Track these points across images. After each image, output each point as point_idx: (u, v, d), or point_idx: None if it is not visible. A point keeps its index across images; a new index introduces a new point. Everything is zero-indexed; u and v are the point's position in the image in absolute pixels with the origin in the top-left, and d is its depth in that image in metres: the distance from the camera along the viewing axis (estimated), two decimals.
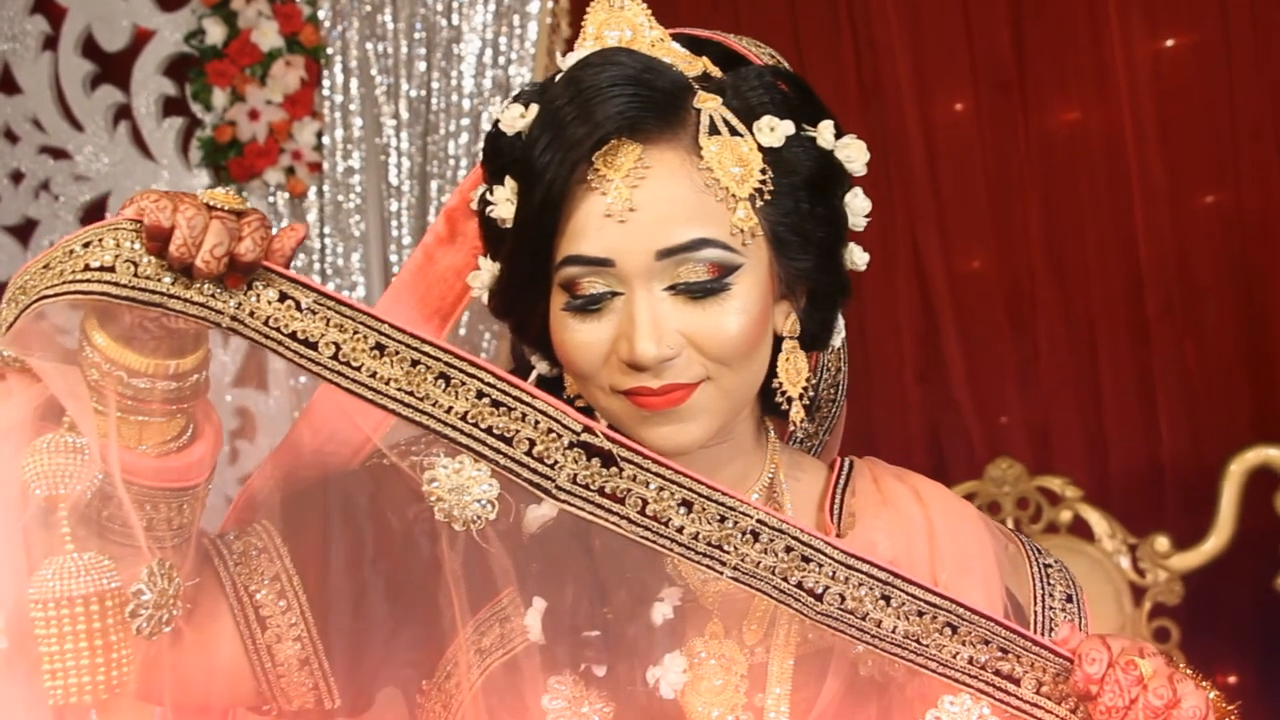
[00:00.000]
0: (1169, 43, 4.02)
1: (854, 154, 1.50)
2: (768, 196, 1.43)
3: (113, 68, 4.17)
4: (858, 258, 1.54)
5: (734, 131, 1.44)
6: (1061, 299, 4.07)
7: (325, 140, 4.04)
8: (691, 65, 1.49)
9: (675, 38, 1.53)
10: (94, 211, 4.17)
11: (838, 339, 1.58)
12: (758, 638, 1.50)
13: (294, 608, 1.44)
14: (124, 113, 4.17)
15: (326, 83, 4.04)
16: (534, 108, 1.45)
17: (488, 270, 1.52)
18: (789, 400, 1.49)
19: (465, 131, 3.99)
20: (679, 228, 1.40)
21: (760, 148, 1.44)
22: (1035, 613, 1.55)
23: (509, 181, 1.46)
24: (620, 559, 1.42)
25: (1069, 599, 1.58)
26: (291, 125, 4.03)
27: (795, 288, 1.50)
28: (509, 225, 1.46)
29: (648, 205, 1.40)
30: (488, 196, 1.48)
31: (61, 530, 1.28)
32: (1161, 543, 3.72)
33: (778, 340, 1.50)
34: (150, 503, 1.34)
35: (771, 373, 1.50)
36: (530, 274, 1.45)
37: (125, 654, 1.29)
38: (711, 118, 1.43)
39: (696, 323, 1.41)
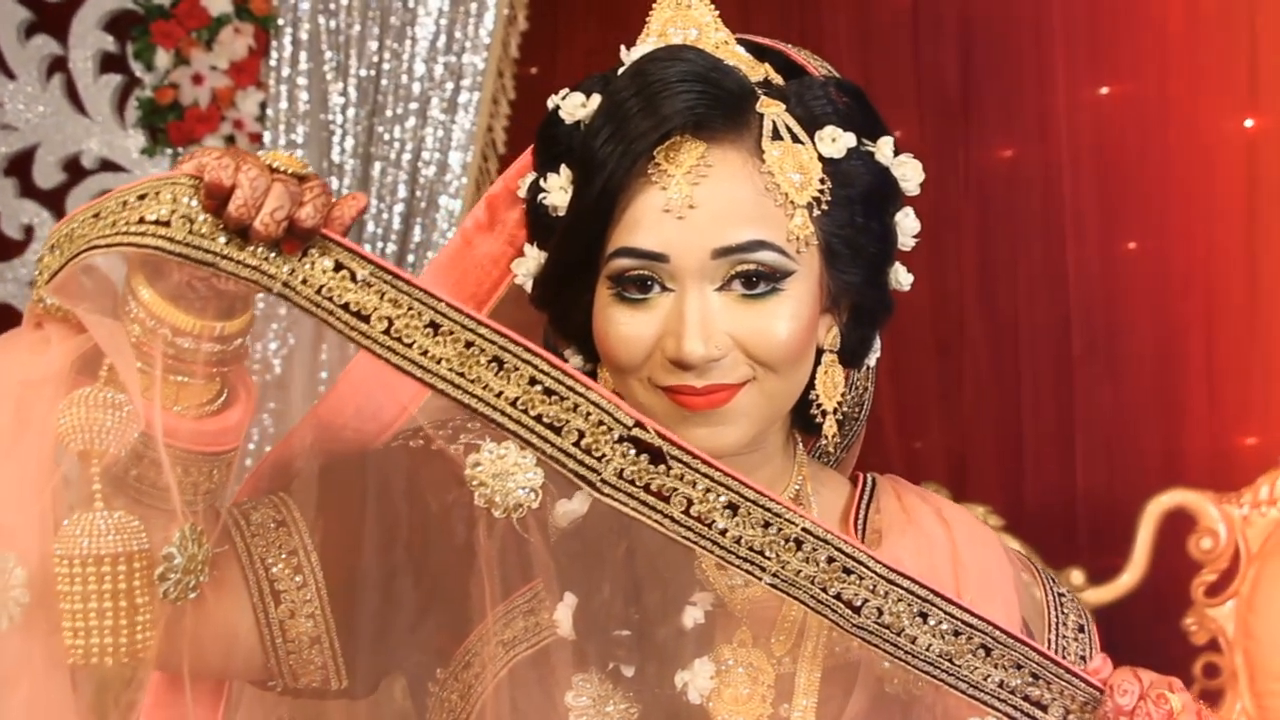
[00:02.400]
0: (1110, 90, 4.14)
1: (910, 173, 1.50)
2: (825, 206, 1.43)
3: (51, 17, 4.05)
4: (902, 277, 1.54)
5: (796, 139, 1.43)
6: (989, 331, 4.16)
7: (269, 112, 3.97)
8: (755, 70, 1.49)
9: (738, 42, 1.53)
10: (20, 162, 4.06)
11: (873, 358, 1.58)
12: (785, 648, 1.49)
13: (310, 584, 1.41)
14: (59, 65, 4.06)
15: (274, 54, 3.97)
16: (596, 97, 1.44)
17: (533, 258, 1.50)
18: (824, 413, 1.49)
19: (413, 115, 3.95)
20: (737, 228, 1.40)
21: (820, 157, 1.44)
22: (1049, 640, 1.55)
23: (564, 170, 1.45)
24: (652, 559, 1.40)
25: (1081, 629, 1.58)
26: (235, 94, 3.95)
27: (840, 301, 1.50)
28: (560, 214, 1.45)
29: (707, 203, 1.39)
30: (540, 184, 1.47)
31: (92, 486, 1.25)
32: (1076, 576, 3.80)
33: (817, 353, 1.50)
34: (182, 465, 1.30)
35: (809, 384, 1.49)
36: (580, 264, 1.44)
37: (149, 618, 1.26)
38: (775, 122, 1.43)
39: (746, 324, 1.41)
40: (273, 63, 3.97)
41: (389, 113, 3.96)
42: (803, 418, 1.52)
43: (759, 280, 1.41)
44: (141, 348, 1.28)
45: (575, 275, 1.45)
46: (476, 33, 3.95)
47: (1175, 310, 4.09)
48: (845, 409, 1.65)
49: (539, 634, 1.44)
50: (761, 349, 1.41)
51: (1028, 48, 4.10)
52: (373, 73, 3.97)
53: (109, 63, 4.05)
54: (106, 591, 1.23)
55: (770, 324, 1.41)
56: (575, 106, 1.45)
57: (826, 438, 1.51)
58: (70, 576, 1.23)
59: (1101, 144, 4.09)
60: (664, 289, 1.41)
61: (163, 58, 3.95)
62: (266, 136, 3.96)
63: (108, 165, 4.02)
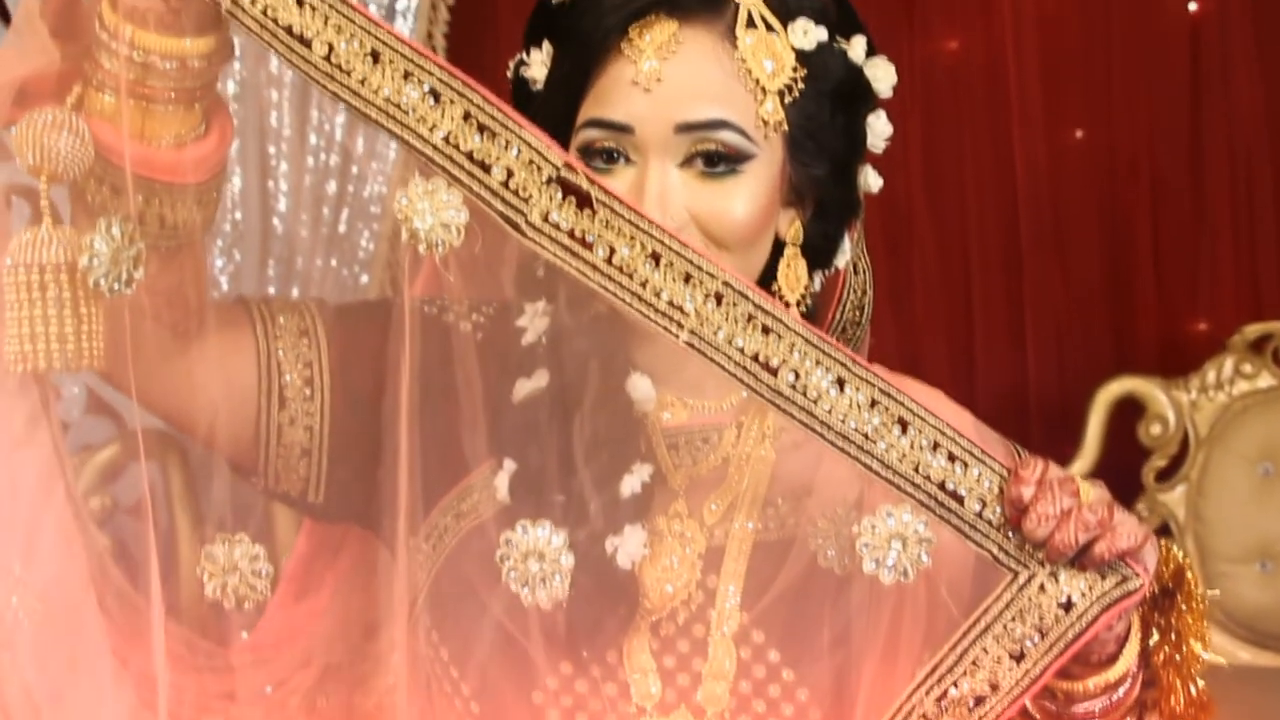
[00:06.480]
0: None
1: (881, 74, 1.53)
2: (796, 95, 1.46)
3: None
4: (872, 180, 1.57)
5: (770, 28, 1.47)
6: (937, 225, 4.16)
7: None
8: None
9: None
10: None
11: (842, 259, 1.59)
12: (717, 518, 1.51)
13: (317, 399, 1.50)
14: None
15: None
16: None
17: None
18: (786, 306, 1.50)
19: None
20: (703, 105, 1.43)
21: (793, 49, 1.47)
22: None
23: (545, 45, 1.51)
24: (598, 432, 1.43)
25: None
26: None
27: (805, 196, 1.52)
28: (539, 88, 1.51)
29: (675, 79, 1.43)
30: (523, 58, 1.53)
31: (41, 202, 1.30)
32: None
33: (780, 247, 1.52)
34: (143, 193, 1.34)
35: (772, 277, 1.51)
36: (551, 135, 1.43)
37: (95, 328, 1.31)
38: (750, 11, 1.46)
39: (703, 201, 1.44)
40: None
41: None
42: None
43: (719, 160, 1.44)
44: (109, 76, 1.32)
45: None
46: None
47: (1122, 198, 4.10)
48: (841, 315, 1.68)
49: (491, 505, 1.47)
50: (716, 226, 1.45)
51: None
52: None
53: None
54: (51, 299, 1.29)
55: (727, 203, 1.44)
56: None
57: None
58: (15, 285, 1.29)
59: (1045, 32, 4.08)
60: (628, 162, 1.45)
61: None
62: None
63: None
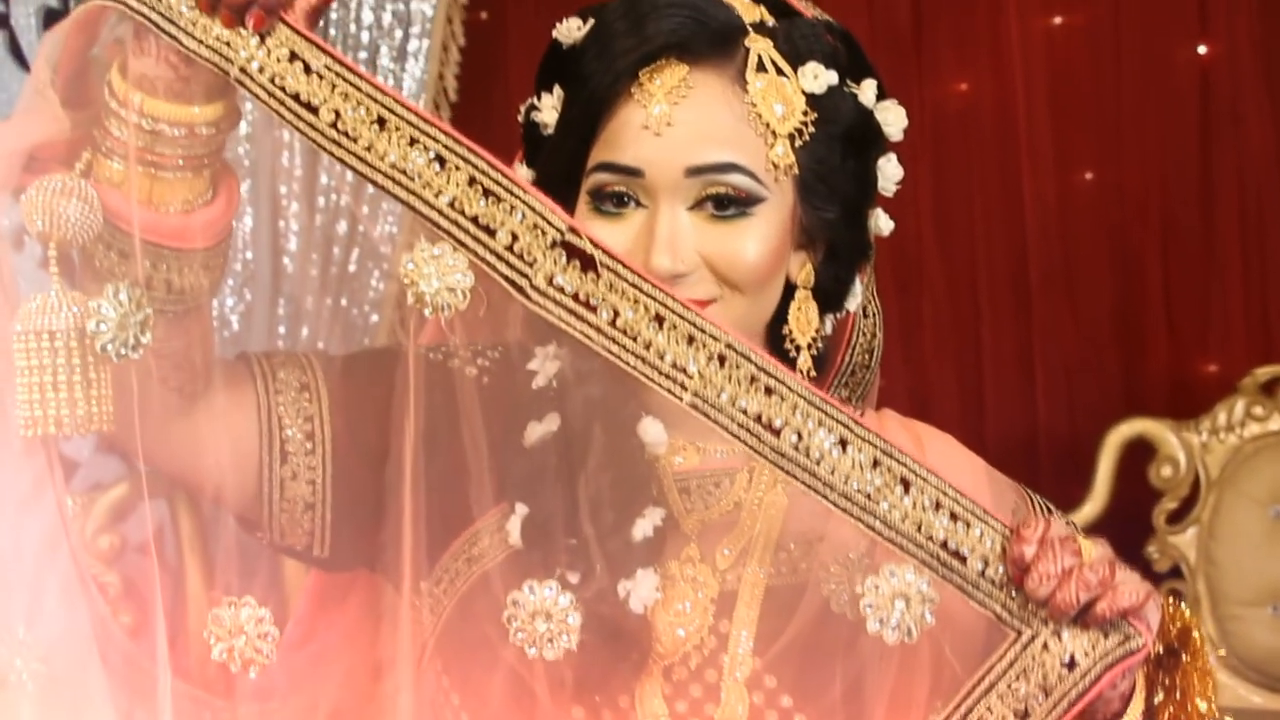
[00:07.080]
0: (1063, 20, 4.14)
1: (892, 118, 1.53)
2: (806, 138, 1.47)
3: None
4: (883, 223, 1.58)
5: (780, 72, 1.48)
6: (947, 267, 4.17)
7: None
8: (750, 12, 1.52)
9: None
10: None
11: (853, 302, 1.60)
12: (730, 563, 1.51)
13: (319, 453, 1.49)
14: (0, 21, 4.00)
15: None
16: (590, 21, 1.50)
17: (521, 175, 1.52)
18: (797, 349, 1.52)
19: (362, 64, 3.91)
20: (713, 148, 1.44)
21: (803, 92, 1.48)
22: None
23: (556, 90, 1.51)
24: (609, 476, 1.43)
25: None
26: None
27: (816, 240, 1.52)
28: (550, 132, 1.51)
29: (685, 123, 1.44)
30: (534, 103, 1.53)
31: (50, 269, 1.31)
32: None
33: (791, 288, 1.52)
34: (151, 259, 1.35)
35: (783, 319, 1.52)
36: (562, 178, 1.48)
37: (105, 392, 1.32)
38: (760, 55, 1.47)
39: (714, 244, 1.45)
40: None
41: None
42: (783, 355, 1.53)
43: (730, 203, 1.45)
44: (118, 143, 1.33)
45: (558, 190, 1.46)
46: None
47: (1132, 239, 4.10)
48: (851, 358, 1.68)
49: (502, 549, 1.47)
50: (727, 268, 1.45)
51: None
52: (320, 21, 3.92)
53: (52, 18, 4.00)
54: (61, 364, 1.29)
55: (738, 244, 1.45)
56: (571, 30, 1.51)
57: (803, 372, 1.52)
58: (26, 351, 1.29)
59: (1055, 74, 4.10)
60: (639, 205, 1.46)
61: None
62: None
63: None
